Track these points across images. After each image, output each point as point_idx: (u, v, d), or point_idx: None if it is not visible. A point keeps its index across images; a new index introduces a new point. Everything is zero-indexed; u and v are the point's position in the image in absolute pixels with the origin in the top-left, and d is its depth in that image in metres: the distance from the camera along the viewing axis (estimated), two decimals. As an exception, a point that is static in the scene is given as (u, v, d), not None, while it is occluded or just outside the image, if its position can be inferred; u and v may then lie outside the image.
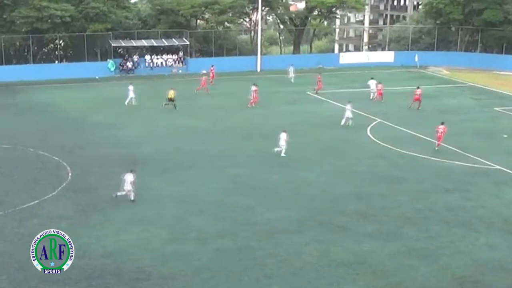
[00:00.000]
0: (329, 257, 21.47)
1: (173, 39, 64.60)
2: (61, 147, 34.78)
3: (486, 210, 26.09)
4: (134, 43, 63.43)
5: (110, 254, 21.50)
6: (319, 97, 50.17)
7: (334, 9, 71.99)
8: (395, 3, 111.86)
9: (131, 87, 46.86)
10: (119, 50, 65.01)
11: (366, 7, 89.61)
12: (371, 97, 48.69)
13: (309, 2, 70.18)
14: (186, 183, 29.08)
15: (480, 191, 28.59)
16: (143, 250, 21.88)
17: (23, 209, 25.61)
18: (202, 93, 50.37)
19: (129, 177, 26.22)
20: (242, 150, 34.92)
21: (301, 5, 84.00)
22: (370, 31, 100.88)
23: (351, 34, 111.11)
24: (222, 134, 38.48)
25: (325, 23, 78.86)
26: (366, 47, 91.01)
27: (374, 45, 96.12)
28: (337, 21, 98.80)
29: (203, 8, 66.37)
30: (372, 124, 40.54)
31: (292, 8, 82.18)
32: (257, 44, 66.18)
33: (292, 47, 75.55)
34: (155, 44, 63.63)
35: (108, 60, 61.49)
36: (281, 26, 79.18)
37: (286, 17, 74.08)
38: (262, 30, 68.57)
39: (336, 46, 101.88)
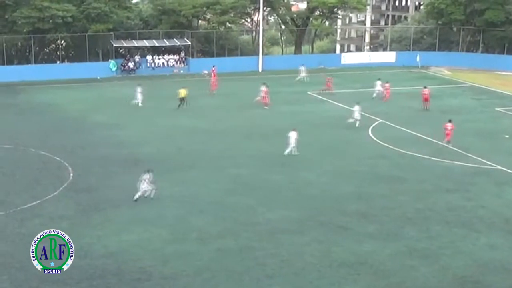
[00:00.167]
0: (330, 257, 21.48)
1: (175, 39, 64.63)
2: (63, 147, 34.83)
3: (487, 210, 26.09)
4: (135, 43, 63.47)
5: (111, 254, 21.53)
6: (320, 97, 50.17)
7: (335, 9, 72.01)
8: (397, 3, 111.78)
9: (139, 89, 46.72)
10: (121, 50, 65.05)
11: (368, 7, 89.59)
12: (373, 96, 48.76)
13: (311, 3, 70.17)
14: (187, 183, 29.11)
15: (481, 191, 28.59)
16: (144, 250, 21.90)
17: (24, 209, 25.65)
18: (203, 93, 50.39)
19: (147, 177, 26.24)
20: (243, 150, 34.93)
21: (303, 6, 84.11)
22: (372, 32, 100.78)
23: (353, 34, 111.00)
24: (223, 134, 38.50)
25: (327, 23, 78.78)
26: (368, 47, 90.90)
27: (376, 46, 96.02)
28: (339, 22, 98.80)
29: (204, 9, 66.43)
30: (373, 124, 40.53)
31: (293, 9, 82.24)
32: (258, 45, 66.21)
33: (293, 48, 75.53)
34: (156, 44, 63.67)
35: (109, 60, 61.53)
36: (283, 27, 79.23)
37: (288, 18, 74.07)
38: (263, 30, 68.61)
39: (338, 47, 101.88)
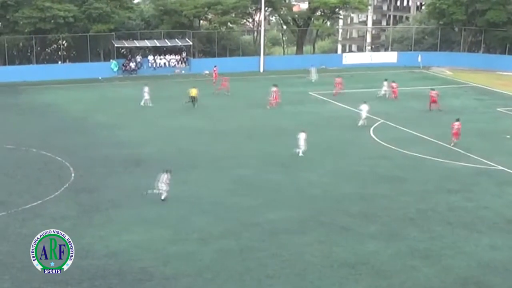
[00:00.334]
0: (332, 258, 21.46)
1: (176, 39, 64.68)
2: (64, 148, 34.82)
3: (489, 211, 26.05)
4: (137, 43, 63.52)
5: (113, 255, 21.52)
6: (322, 97, 50.15)
7: (337, 9, 71.97)
8: (398, 3, 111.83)
9: (146, 89, 46.65)
10: (122, 50, 65.13)
11: (369, 7, 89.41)
12: (378, 95, 48.76)
13: (312, 3, 70.16)
14: (189, 183, 29.07)
15: (483, 191, 28.55)
16: (146, 251, 21.89)
17: (26, 210, 25.65)
18: (204, 93, 50.31)
19: (164, 177, 26.25)
20: (245, 150, 34.91)
21: (304, 6, 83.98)
22: (373, 32, 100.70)
23: (354, 34, 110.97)
24: (224, 134, 38.49)
25: (328, 23, 78.81)
26: (369, 47, 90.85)
27: (377, 46, 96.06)
28: (340, 22, 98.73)
29: (206, 9, 66.42)
30: (375, 125, 40.50)
31: (295, 9, 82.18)
32: (260, 45, 66.23)
33: (295, 48, 75.55)
34: (158, 44, 63.72)
35: (111, 60, 61.57)
36: (284, 27, 79.17)
37: (289, 18, 74.05)
38: (265, 30, 68.64)
39: (339, 47, 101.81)
